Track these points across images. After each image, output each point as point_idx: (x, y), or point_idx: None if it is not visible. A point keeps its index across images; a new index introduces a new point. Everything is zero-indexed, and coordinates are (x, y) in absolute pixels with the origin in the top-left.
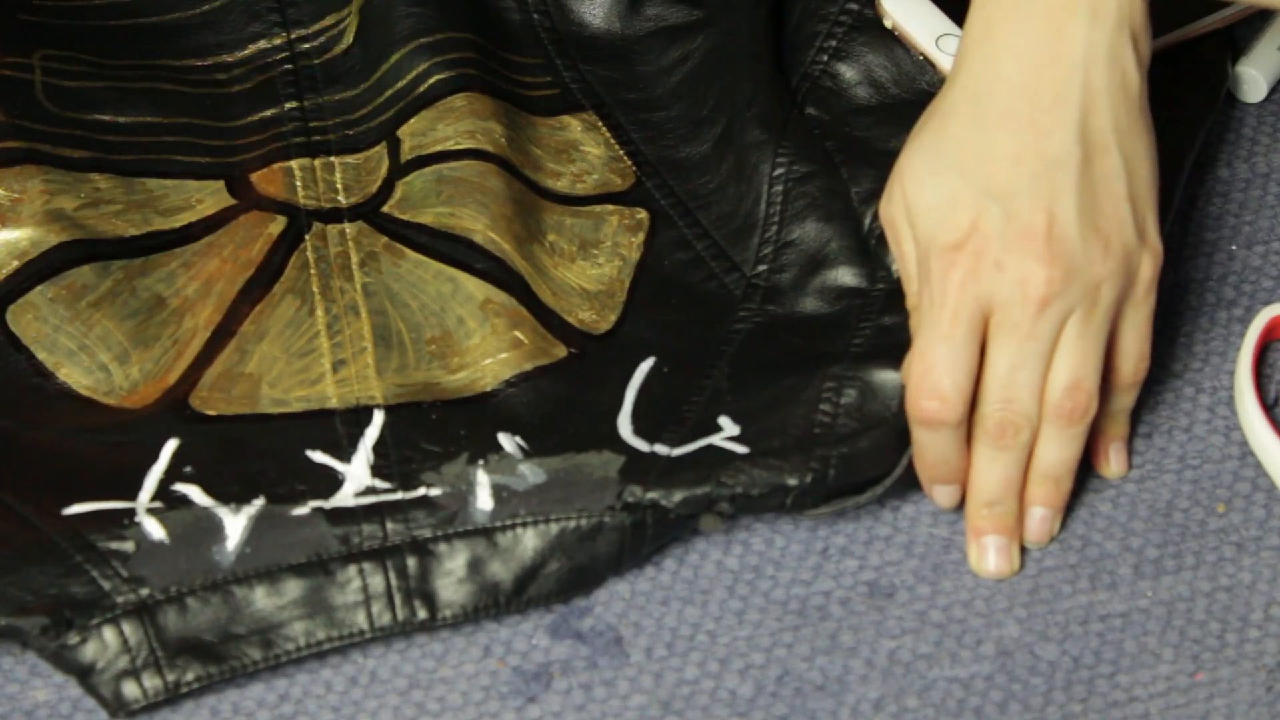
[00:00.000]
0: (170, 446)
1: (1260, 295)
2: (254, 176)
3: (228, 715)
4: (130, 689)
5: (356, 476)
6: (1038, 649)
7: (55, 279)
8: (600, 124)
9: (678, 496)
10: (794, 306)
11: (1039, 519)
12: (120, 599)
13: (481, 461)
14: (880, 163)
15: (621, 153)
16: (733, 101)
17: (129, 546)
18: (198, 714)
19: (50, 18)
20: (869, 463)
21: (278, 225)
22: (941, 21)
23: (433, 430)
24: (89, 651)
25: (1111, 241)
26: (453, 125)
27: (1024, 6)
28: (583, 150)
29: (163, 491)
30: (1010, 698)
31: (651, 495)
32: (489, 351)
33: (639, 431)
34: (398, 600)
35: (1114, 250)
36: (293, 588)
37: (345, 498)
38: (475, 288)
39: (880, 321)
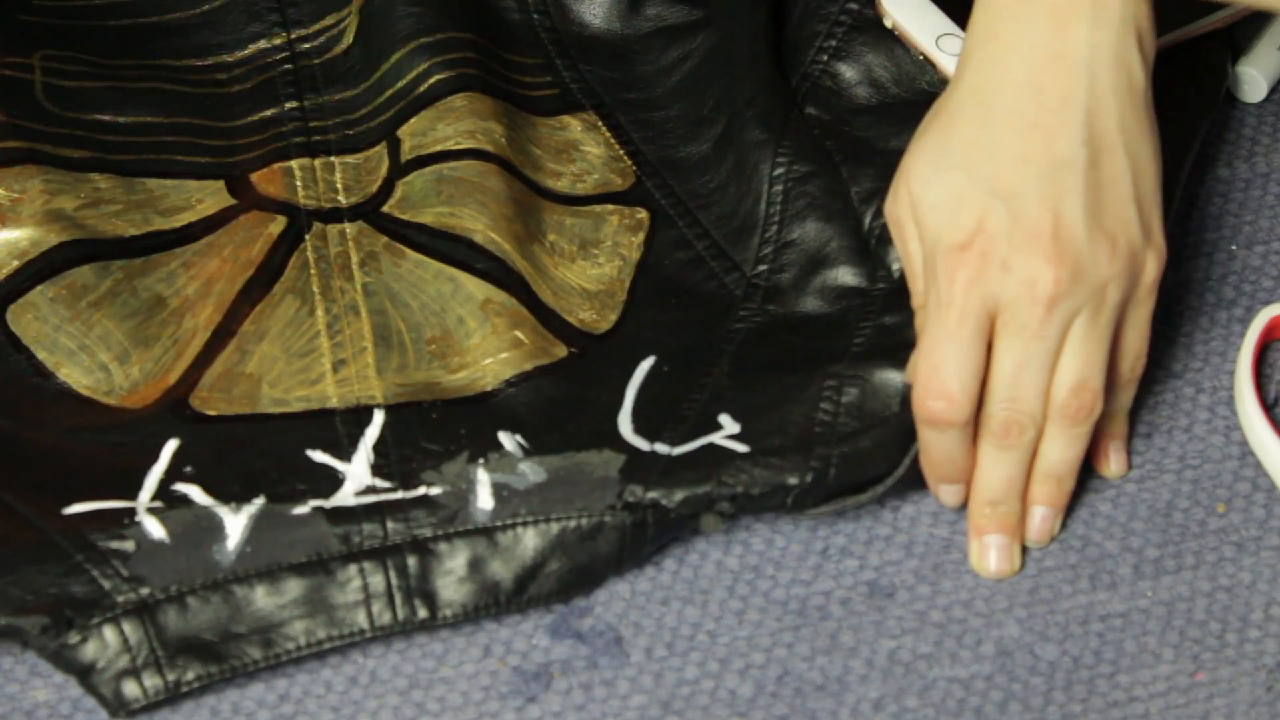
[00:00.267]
0: (170, 446)
1: (1260, 295)
2: (254, 176)
3: (228, 715)
4: (130, 688)
5: (357, 476)
6: (1038, 649)
7: (55, 279)
8: (600, 124)
9: (678, 496)
10: (794, 306)
11: (1041, 518)
12: (120, 598)
13: (482, 460)
14: (880, 163)
15: (621, 152)
16: (732, 101)
17: (129, 546)
18: (198, 714)
19: (50, 18)
20: (870, 462)
21: (278, 225)
22: (941, 21)
23: (433, 430)
24: (89, 651)
25: (1118, 242)
26: (453, 125)
27: (1029, 6)
28: (583, 150)
29: (163, 491)
30: (1010, 698)
31: (652, 495)
32: (489, 351)
33: (639, 430)
34: (398, 599)
35: (1120, 251)
36: (293, 587)
37: (345, 497)
38: (475, 287)
39: (881, 321)
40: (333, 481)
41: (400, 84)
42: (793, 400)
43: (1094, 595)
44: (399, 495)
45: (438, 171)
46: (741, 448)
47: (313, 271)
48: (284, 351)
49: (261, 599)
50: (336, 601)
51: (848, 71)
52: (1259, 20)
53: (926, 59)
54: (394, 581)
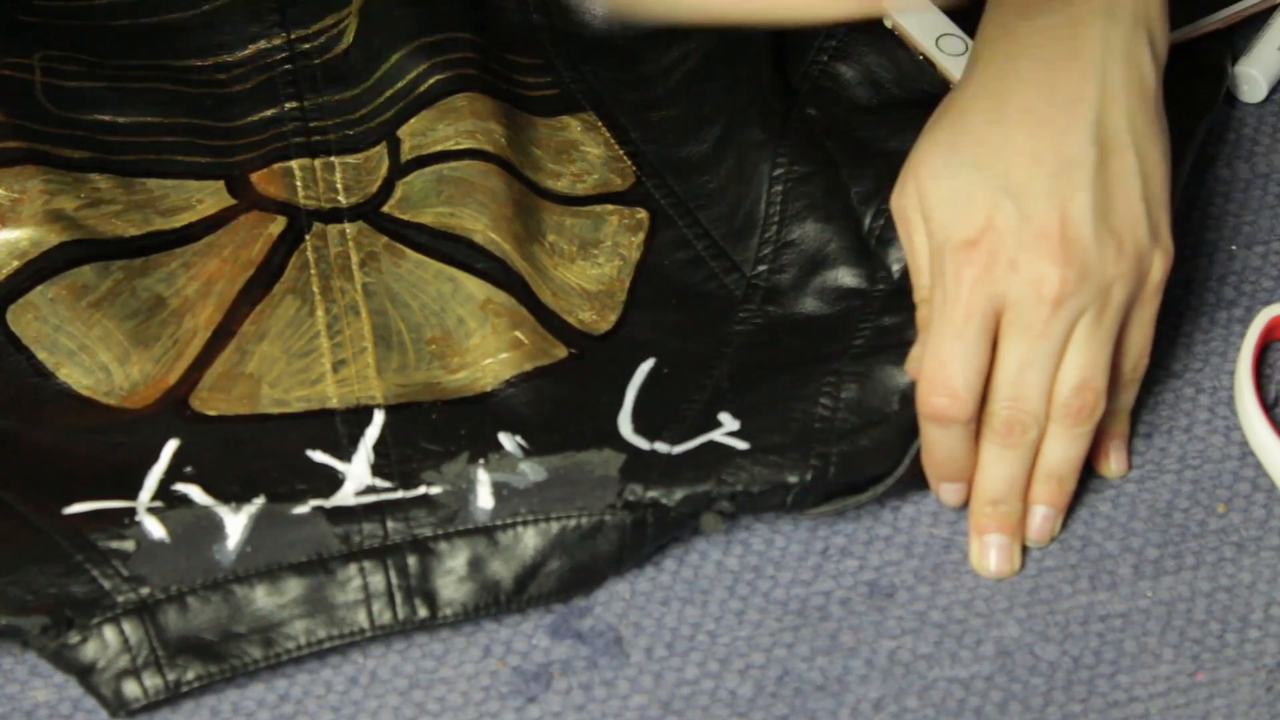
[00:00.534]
0: (171, 446)
1: (1260, 295)
2: (254, 176)
3: (228, 715)
4: (131, 688)
5: (357, 475)
6: (1038, 649)
7: (55, 279)
8: (600, 124)
9: (678, 495)
10: (794, 307)
11: (1041, 518)
12: (121, 598)
13: (482, 460)
14: (880, 163)
15: (621, 153)
16: (733, 101)
17: (129, 546)
18: (198, 714)
19: (50, 18)
20: (870, 461)
21: (278, 225)
22: (942, 21)
23: (433, 430)
24: (89, 651)
25: (1125, 242)
26: (453, 125)
27: (1043, 4)
28: (583, 150)
29: (163, 491)
30: (1010, 698)
31: (652, 494)
32: (489, 351)
33: (639, 430)
34: (398, 599)
35: (1127, 251)
36: (293, 586)
37: (346, 497)
38: (475, 288)
39: (880, 322)
40: (333, 481)
41: (400, 84)
42: (792, 397)
43: (1094, 595)
44: (399, 495)
45: (438, 171)
46: (741, 445)
47: (313, 271)
48: (284, 351)
49: (262, 599)
50: (337, 601)
51: (848, 72)
52: (1259, 20)
53: (926, 59)
54: (394, 581)
